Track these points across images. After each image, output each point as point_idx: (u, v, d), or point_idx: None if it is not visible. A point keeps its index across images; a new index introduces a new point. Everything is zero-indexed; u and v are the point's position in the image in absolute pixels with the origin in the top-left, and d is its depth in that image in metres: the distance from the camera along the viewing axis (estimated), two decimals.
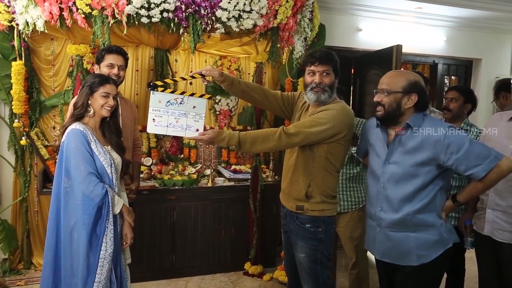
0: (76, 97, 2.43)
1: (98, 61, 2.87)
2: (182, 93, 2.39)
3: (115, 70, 2.80)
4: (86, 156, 2.22)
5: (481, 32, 5.54)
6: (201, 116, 2.36)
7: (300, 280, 2.46)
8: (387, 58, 4.12)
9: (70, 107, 2.60)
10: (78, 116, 2.33)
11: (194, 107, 2.36)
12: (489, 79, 5.51)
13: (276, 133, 2.18)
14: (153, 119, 2.33)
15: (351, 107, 4.67)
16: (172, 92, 2.39)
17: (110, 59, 2.82)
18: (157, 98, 2.32)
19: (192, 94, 2.40)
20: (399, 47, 4.04)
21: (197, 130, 2.33)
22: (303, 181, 2.34)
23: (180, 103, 2.34)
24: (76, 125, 2.28)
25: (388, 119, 2.07)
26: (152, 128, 2.34)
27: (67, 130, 2.29)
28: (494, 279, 2.43)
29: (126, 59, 2.93)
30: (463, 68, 5.77)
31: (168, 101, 2.33)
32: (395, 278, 2.19)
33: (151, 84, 2.33)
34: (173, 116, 2.33)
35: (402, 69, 5.24)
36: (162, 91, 2.33)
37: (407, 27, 5.19)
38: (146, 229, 3.70)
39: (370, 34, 5.04)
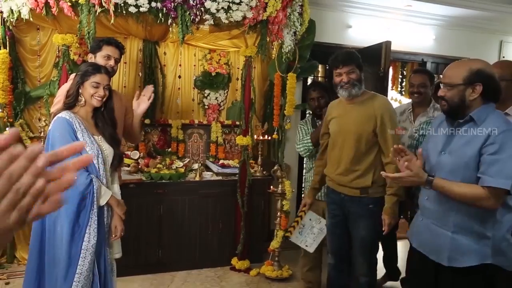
0: (68, 85, 2.43)
1: (94, 50, 2.83)
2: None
3: (111, 62, 2.79)
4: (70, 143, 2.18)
5: (470, 32, 5.57)
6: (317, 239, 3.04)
7: (355, 255, 2.75)
8: (376, 54, 4.13)
9: (59, 95, 2.60)
10: (69, 104, 2.32)
11: (318, 227, 3.07)
12: None
13: None
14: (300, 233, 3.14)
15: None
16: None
17: (108, 50, 2.80)
18: (309, 216, 3.14)
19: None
20: (388, 43, 4.05)
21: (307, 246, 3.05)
22: (368, 173, 2.63)
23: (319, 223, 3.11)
24: (63, 114, 2.26)
25: (453, 113, 1.99)
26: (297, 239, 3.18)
27: (54, 118, 2.28)
28: None
29: (122, 53, 2.94)
30: None
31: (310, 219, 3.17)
32: (429, 273, 2.15)
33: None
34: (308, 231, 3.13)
35: (391, 67, 5.26)
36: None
37: (396, 24, 5.20)
38: (132, 223, 3.64)
39: (359, 31, 5.04)
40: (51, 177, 0.60)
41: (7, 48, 3.47)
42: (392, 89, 5.77)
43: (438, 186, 1.93)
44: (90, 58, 2.83)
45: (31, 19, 3.16)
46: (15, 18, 3.15)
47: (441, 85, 2.02)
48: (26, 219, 0.59)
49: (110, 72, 2.53)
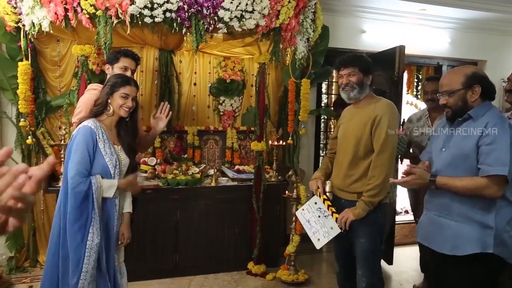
0: (88, 95, 2.50)
1: (111, 62, 2.90)
2: (333, 213, 2.63)
3: (128, 73, 2.84)
4: (84, 156, 2.25)
5: (486, 34, 5.49)
6: (329, 237, 2.62)
7: (356, 264, 2.63)
8: (390, 59, 4.09)
9: (79, 105, 2.69)
10: (96, 113, 2.37)
11: (332, 228, 2.61)
12: (494, 80, 5.30)
13: None
14: (303, 209, 2.80)
15: None
16: (328, 206, 2.66)
17: (125, 62, 2.87)
18: (316, 199, 2.73)
19: (337, 219, 2.59)
20: (402, 48, 4.01)
21: (318, 240, 2.65)
22: (363, 175, 2.55)
23: (325, 216, 2.66)
24: (89, 122, 2.31)
25: (457, 116, 2.08)
26: (299, 213, 2.82)
27: (79, 125, 2.33)
28: None
29: (138, 64, 3.02)
30: None
31: (320, 208, 2.70)
32: (435, 267, 2.21)
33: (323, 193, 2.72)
34: (314, 219, 2.70)
35: (405, 71, 5.22)
36: (323, 200, 2.69)
37: (411, 28, 5.16)
38: (149, 228, 3.72)
39: (374, 35, 5.01)
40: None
41: (29, 59, 3.53)
42: (408, 93, 5.71)
43: (441, 184, 2.03)
44: (108, 68, 2.89)
45: (51, 31, 3.22)
46: (36, 31, 3.22)
47: (439, 95, 2.13)
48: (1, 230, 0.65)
49: (138, 85, 2.58)
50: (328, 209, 2.65)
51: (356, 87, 2.56)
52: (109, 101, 2.37)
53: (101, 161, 2.30)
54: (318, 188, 2.72)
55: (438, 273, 2.19)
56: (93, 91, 2.75)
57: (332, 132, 5.39)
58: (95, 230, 2.26)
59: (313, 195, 2.79)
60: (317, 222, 2.67)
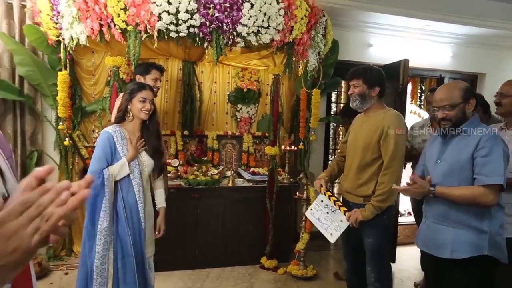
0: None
1: (143, 73, 2.99)
2: (340, 207, 2.61)
3: (158, 84, 3.00)
4: (100, 157, 2.28)
5: (486, 48, 5.40)
6: (341, 230, 2.58)
7: (366, 262, 2.61)
8: (395, 71, 4.05)
9: (114, 112, 2.72)
10: (119, 119, 2.39)
11: (341, 221, 2.58)
12: (493, 92, 5.26)
13: None
14: (311, 209, 2.75)
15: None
16: (334, 202, 2.63)
17: (155, 74, 3.00)
18: (322, 197, 2.70)
19: (345, 212, 2.57)
20: (406, 61, 3.96)
21: (331, 235, 2.60)
22: (370, 182, 2.52)
23: (333, 211, 2.63)
24: (109, 128, 2.34)
25: (456, 126, 2.07)
26: (308, 214, 2.77)
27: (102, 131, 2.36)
28: None
29: (163, 75, 3.15)
30: (469, 82, 5.51)
31: (327, 205, 2.67)
32: (435, 271, 2.18)
33: (327, 191, 2.68)
34: (323, 216, 2.67)
35: (409, 82, 5.16)
36: (329, 196, 2.66)
37: (415, 43, 5.10)
38: (172, 224, 3.68)
39: (380, 49, 4.97)
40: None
41: (67, 69, 3.58)
42: (411, 103, 5.63)
43: (439, 193, 2.01)
44: (139, 79, 2.94)
45: (87, 44, 3.25)
46: (75, 44, 3.25)
47: (435, 109, 2.10)
48: (42, 243, 0.62)
49: (153, 89, 2.61)
50: (334, 204, 2.62)
51: (357, 98, 2.56)
52: (129, 107, 2.38)
53: (120, 159, 2.33)
54: (321, 186, 2.68)
55: (438, 276, 2.16)
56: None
57: (341, 138, 5.35)
58: (105, 215, 2.26)
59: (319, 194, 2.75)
60: (326, 219, 2.64)
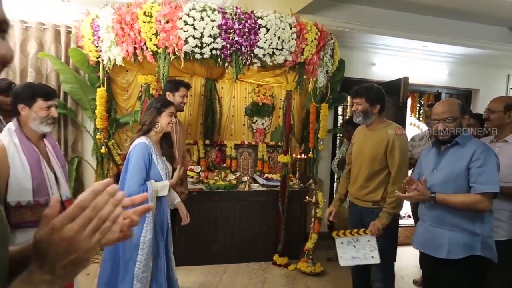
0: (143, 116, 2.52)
1: (172, 90, 3.01)
2: (357, 233, 2.55)
3: (185, 99, 3.03)
4: (141, 167, 2.27)
5: (479, 67, 5.41)
6: (375, 247, 2.50)
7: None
8: (396, 88, 4.11)
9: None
10: (146, 131, 2.39)
11: (369, 240, 2.52)
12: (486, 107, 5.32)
13: None
14: (341, 257, 2.59)
15: None
16: (350, 233, 2.57)
17: (184, 91, 3.04)
18: (339, 241, 2.59)
19: (365, 231, 2.52)
20: (405, 79, 4.03)
21: (373, 257, 2.50)
22: (378, 189, 2.56)
23: (357, 241, 2.55)
24: (143, 139, 2.34)
25: (448, 141, 2.09)
26: (343, 262, 2.59)
27: (135, 142, 2.36)
28: None
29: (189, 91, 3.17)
30: (463, 97, 5.61)
31: (348, 241, 2.57)
32: (432, 269, 2.18)
33: (336, 234, 2.61)
34: (354, 250, 2.56)
35: (409, 97, 5.21)
36: (342, 233, 2.59)
37: (414, 62, 5.13)
38: (194, 224, 3.67)
39: (382, 67, 5.01)
40: (125, 215, 0.64)
41: (105, 86, 3.69)
42: (411, 116, 5.68)
43: (439, 200, 2.01)
44: (168, 95, 2.98)
45: (122, 64, 3.36)
46: (112, 64, 3.37)
47: (437, 122, 2.09)
48: (103, 241, 0.60)
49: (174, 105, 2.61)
50: (351, 234, 2.58)
51: (361, 115, 2.60)
52: (157, 120, 2.39)
53: (155, 170, 2.33)
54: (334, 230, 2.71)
55: (434, 274, 2.16)
56: None
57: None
58: (148, 228, 2.26)
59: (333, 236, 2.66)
60: (357, 250, 2.56)
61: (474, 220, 1.99)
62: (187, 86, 3.10)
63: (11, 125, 1.90)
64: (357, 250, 2.56)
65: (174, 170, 2.54)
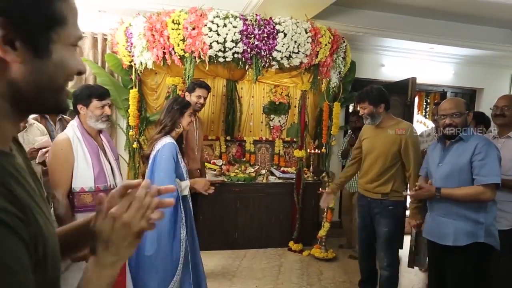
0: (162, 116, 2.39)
1: (190, 91, 2.93)
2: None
3: (201, 100, 2.89)
4: (173, 165, 2.20)
5: (484, 67, 5.26)
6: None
7: (378, 248, 2.63)
8: (404, 88, 4.03)
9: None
10: (168, 131, 2.28)
11: None
12: (490, 105, 5.14)
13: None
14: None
15: None
16: None
17: (199, 91, 2.90)
18: None
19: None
20: (413, 79, 3.94)
21: None
22: (388, 182, 2.55)
23: None
24: (170, 139, 2.25)
25: (453, 136, 2.07)
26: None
27: (161, 142, 2.24)
28: None
29: (209, 92, 3.06)
30: (468, 96, 5.46)
31: None
32: (439, 256, 2.18)
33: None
34: None
35: (416, 96, 5.10)
36: None
37: (421, 63, 5.03)
38: (217, 212, 3.82)
39: (391, 68, 4.93)
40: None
41: (136, 87, 3.73)
42: (418, 113, 5.56)
43: (445, 194, 2.02)
44: (186, 95, 2.95)
45: (153, 68, 3.39)
46: (143, 68, 3.41)
47: (442, 117, 2.08)
48: (146, 226, 0.67)
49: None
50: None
51: (368, 117, 2.58)
52: (179, 121, 2.31)
53: (180, 170, 2.27)
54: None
55: (440, 261, 2.15)
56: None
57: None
58: (183, 224, 2.22)
59: None
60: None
61: (478, 210, 1.98)
62: (205, 87, 2.96)
63: (74, 122, 1.99)
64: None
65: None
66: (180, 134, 2.39)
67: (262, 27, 3.23)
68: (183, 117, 2.33)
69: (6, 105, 0.55)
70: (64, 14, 0.56)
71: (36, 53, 0.54)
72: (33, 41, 0.53)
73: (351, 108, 5.13)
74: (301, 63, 3.48)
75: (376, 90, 2.57)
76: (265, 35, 3.24)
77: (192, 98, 2.89)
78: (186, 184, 2.30)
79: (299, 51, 3.40)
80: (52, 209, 1.89)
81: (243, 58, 3.26)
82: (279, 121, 4.68)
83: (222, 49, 3.18)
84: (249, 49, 3.24)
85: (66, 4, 0.57)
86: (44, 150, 2.22)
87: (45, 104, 0.60)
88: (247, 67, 3.36)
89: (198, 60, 3.21)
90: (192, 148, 3.06)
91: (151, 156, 2.26)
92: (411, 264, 2.71)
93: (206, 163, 3.95)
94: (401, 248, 4.01)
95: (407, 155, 2.50)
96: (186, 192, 2.30)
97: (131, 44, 3.37)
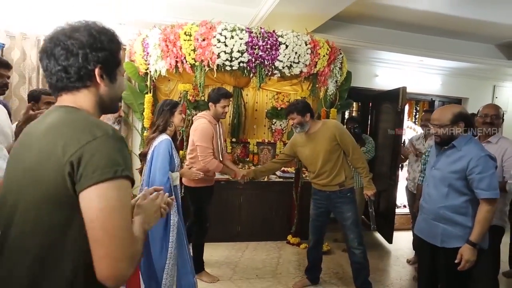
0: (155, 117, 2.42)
1: (215, 101, 2.78)
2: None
3: (226, 110, 2.82)
4: (168, 162, 2.21)
5: (469, 78, 5.26)
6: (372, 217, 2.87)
7: (346, 232, 2.71)
8: (396, 96, 4.02)
9: (205, 139, 2.73)
10: (162, 130, 2.31)
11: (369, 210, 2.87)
12: (474, 112, 5.16)
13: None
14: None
15: (368, 132, 4.68)
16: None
17: (224, 102, 2.79)
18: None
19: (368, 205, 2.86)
20: (404, 88, 3.94)
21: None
22: (340, 172, 2.67)
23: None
24: (165, 136, 2.28)
25: (444, 144, 1.98)
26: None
27: (158, 139, 2.27)
28: None
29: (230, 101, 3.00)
30: None
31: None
32: (429, 253, 2.10)
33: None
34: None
35: (407, 104, 5.10)
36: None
37: (412, 73, 5.04)
38: (221, 207, 3.81)
39: (384, 78, 4.93)
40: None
41: (151, 93, 3.74)
42: (408, 120, 5.56)
43: (478, 240, 1.86)
44: (211, 106, 2.82)
45: (166, 75, 3.42)
46: (157, 75, 3.43)
47: (430, 125, 2.02)
48: (162, 212, 1.08)
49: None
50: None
51: (298, 126, 2.65)
52: (171, 120, 2.32)
53: (174, 161, 2.29)
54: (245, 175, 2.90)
55: (430, 258, 2.07)
56: (204, 124, 2.75)
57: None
58: (173, 211, 2.22)
59: None
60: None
61: (466, 215, 1.90)
62: (229, 96, 2.85)
63: None
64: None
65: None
66: (174, 131, 2.41)
67: (266, 39, 3.25)
68: (174, 116, 2.35)
69: (97, 109, 0.93)
70: (120, 59, 0.96)
71: (111, 80, 0.93)
72: (110, 75, 0.93)
73: (347, 114, 5.14)
74: (301, 72, 3.49)
75: (301, 102, 2.67)
76: (268, 46, 3.26)
77: (217, 108, 2.80)
78: (176, 175, 2.35)
79: (299, 61, 3.41)
80: None
81: (248, 67, 3.27)
82: (280, 125, 4.66)
83: (229, 59, 3.20)
84: (253, 59, 3.25)
85: (121, 53, 0.98)
86: None
87: (113, 108, 0.97)
88: (251, 75, 3.37)
89: (207, 69, 3.23)
90: (219, 151, 2.98)
91: (149, 153, 2.29)
92: (374, 227, 2.93)
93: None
94: (391, 243, 4.01)
95: (345, 142, 2.63)
96: (177, 182, 2.36)
97: (147, 53, 3.39)
